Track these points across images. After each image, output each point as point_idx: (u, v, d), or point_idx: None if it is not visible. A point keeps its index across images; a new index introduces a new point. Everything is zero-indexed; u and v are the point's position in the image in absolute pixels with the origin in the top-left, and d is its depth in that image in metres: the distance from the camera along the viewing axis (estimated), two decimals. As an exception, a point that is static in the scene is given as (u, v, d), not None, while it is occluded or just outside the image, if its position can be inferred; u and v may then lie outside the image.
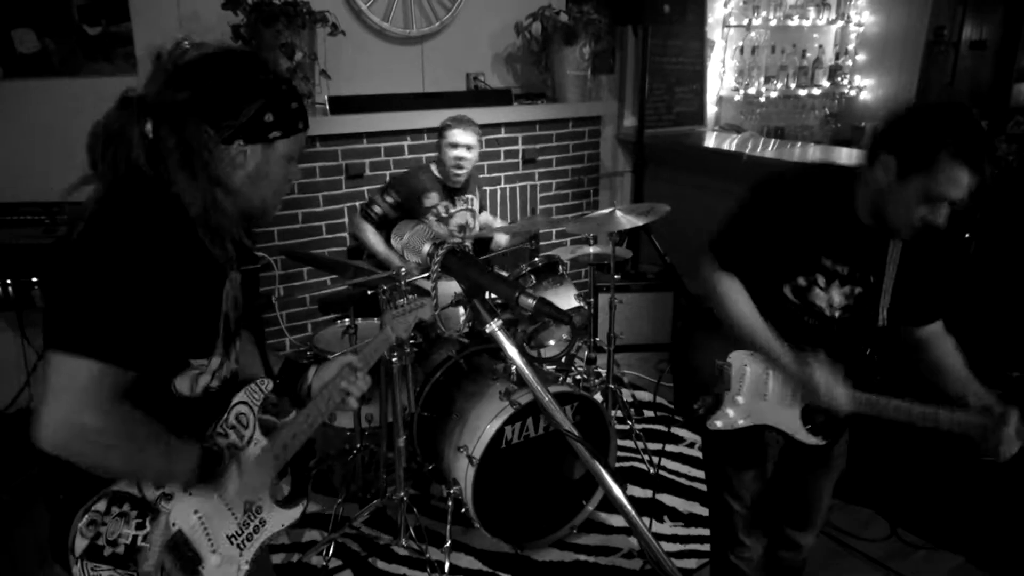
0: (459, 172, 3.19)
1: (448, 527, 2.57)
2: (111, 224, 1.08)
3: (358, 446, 2.80)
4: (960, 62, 4.99)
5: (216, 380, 1.27)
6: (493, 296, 1.23)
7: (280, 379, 1.49)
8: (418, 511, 2.73)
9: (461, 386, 2.77)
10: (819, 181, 1.69)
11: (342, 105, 3.69)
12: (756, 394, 1.79)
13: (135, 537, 1.18)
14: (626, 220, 2.86)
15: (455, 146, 3.16)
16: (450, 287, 2.68)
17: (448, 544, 2.55)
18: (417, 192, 3.21)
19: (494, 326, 1.05)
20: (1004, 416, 1.54)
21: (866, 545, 2.72)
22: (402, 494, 2.59)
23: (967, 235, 3.04)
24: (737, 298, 1.72)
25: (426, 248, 1.11)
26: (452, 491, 2.57)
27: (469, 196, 3.36)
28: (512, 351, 1.04)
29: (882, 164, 1.52)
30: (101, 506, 1.16)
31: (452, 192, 3.29)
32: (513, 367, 1.09)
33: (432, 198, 3.24)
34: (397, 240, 1.14)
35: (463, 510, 2.59)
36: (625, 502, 1.04)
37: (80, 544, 1.14)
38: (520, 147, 4.32)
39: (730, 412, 1.80)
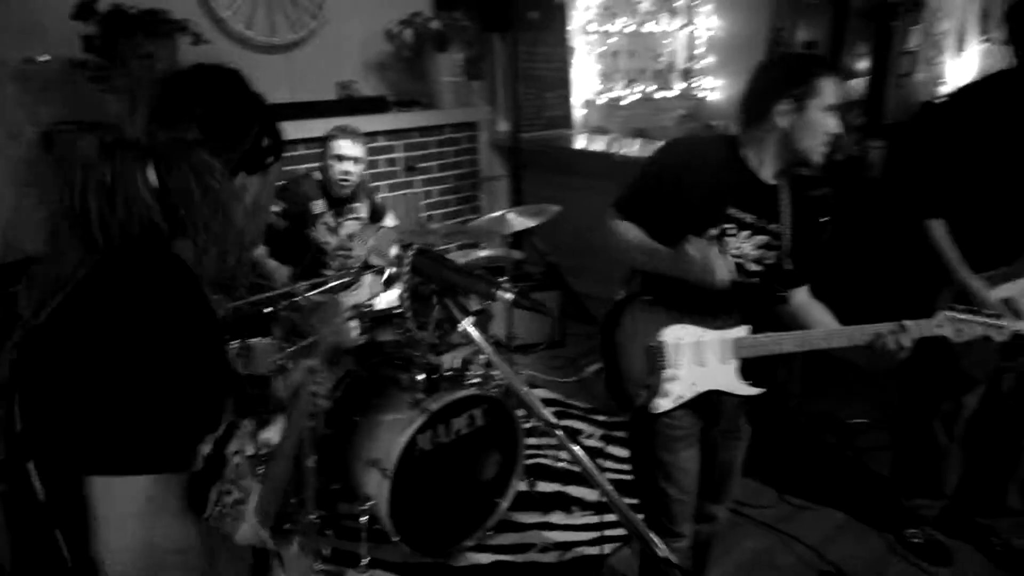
0: (345, 185, 3.13)
1: (362, 545, 2.51)
2: (160, 309, 0.91)
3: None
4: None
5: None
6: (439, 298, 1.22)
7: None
8: (329, 533, 2.64)
9: (366, 400, 2.72)
10: (712, 140, 1.87)
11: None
12: (695, 363, 1.85)
13: None
14: (518, 222, 2.91)
15: (341, 159, 3.09)
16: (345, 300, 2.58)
17: (367, 561, 2.49)
18: (303, 199, 3.12)
19: (467, 324, 1.04)
20: (902, 327, 1.74)
21: (758, 512, 2.92)
22: (314, 516, 2.50)
23: (824, 219, 3.33)
24: (628, 231, 1.84)
25: (393, 251, 1.09)
26: (365, 507, 2.51)
27: (357, 205, 3.29)
28: (487, 347, 1.05)
29: (780, 111, 1.72)
30: None
31: (338, 202, 3.21)
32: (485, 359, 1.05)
33: (319, 206, 3.15)
34: (361, 245, 1.11)
35: (376, 525, 2.53)
36: (605, 482, 1.05)
37: None
38: (400, 155, 4.29)
39: (675, 389, 1.85)
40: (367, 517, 2.51)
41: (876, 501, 2.89)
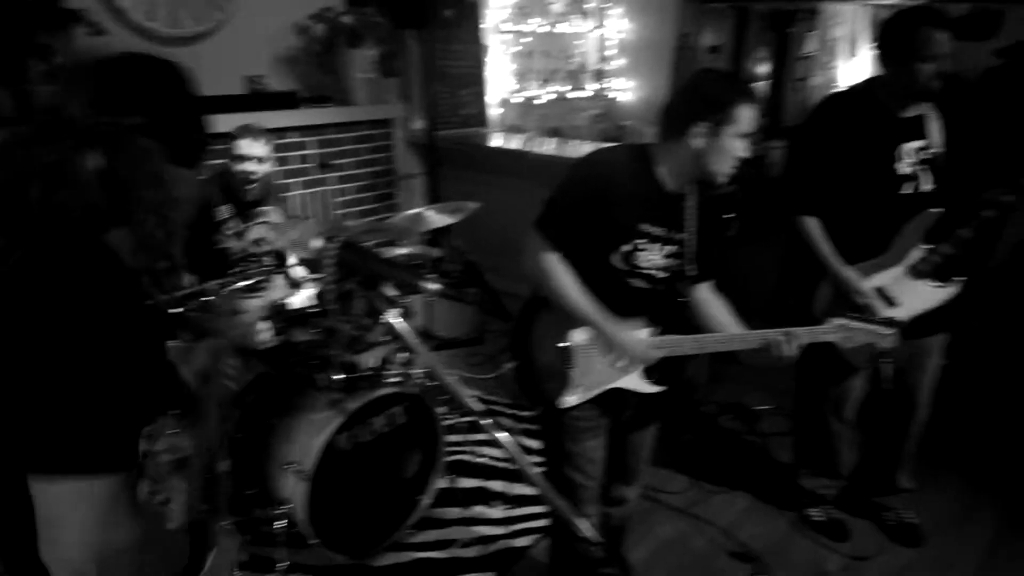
0: (250, 188, 3.01)
1: (280, 550, 2.45)
2: (71, 311, 0.88)
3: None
4: (701, 65, 5.66)
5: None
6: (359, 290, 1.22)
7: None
8: (245, 539, 2.58)
9: (280, 401, 2.66)
10: (625, 157, 1.91)
11: (109, 111, 3.35)
12: (601, 363, 1.94)
13: None
14: (436, 219, 2.92)
15: (243, 159, 2.96)
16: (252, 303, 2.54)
17: (285, 566, 2.44)
18: (206, 204, 2.97)
19: (392, 316, 1.05)
20: (789, 334, 1.86)
21: (671, 497, 3.03)
22: (228, 522, 2.43)
23: (730, 215, 3.48)
24: (562, 276, 1.88)
25: (317, 243, 1.08)
26: (282, 511, 2.46)
27: (267, 209, 3.12)
28: (413, 340, 1.05)
29: (695, 133, 1.79)
30: None
31: (244, 206, 3.07)
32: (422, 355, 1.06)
33: (223, 211, 3.02)
34: (280, 238, 1.09)
35: (295, 529, 2.49)
36: (529, 467, 1.08)
37: None
38: (313, 151, 4.21)
39: (581, 386, 1.95)
40: (284, 521, 2.47)
41: (779, 483, 3.05)
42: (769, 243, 3.83)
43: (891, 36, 2.30)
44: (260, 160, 2.99)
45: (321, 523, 2.44)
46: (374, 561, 2.63)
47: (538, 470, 1.09)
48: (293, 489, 2.40)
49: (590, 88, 5.86)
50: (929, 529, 2.80)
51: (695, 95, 1.83)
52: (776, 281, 2.82)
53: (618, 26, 5.76)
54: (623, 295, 1.91)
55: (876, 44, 2.35)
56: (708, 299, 2.06)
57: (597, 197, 1.83)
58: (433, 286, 1.04)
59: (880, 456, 2.83)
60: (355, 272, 1.08)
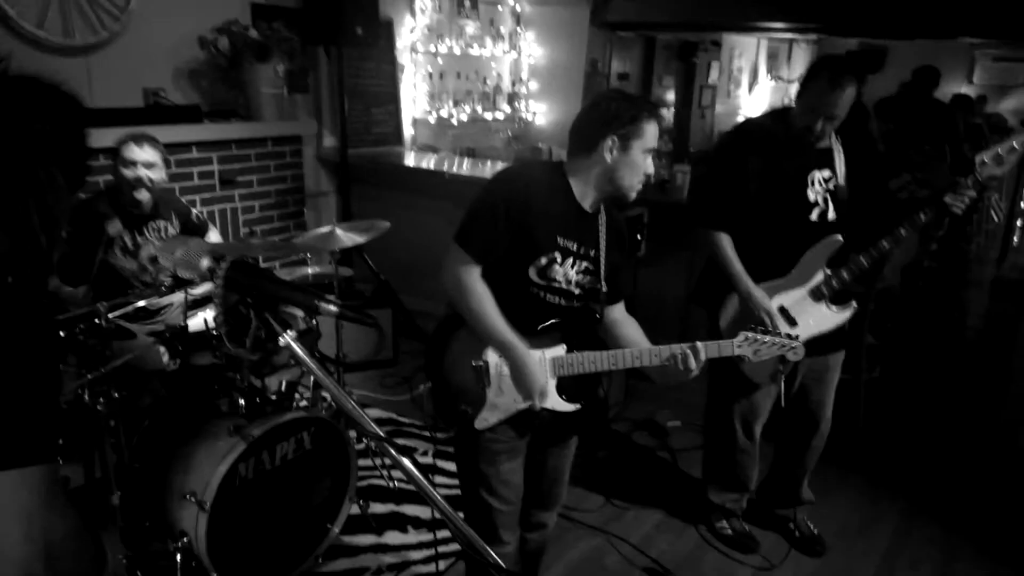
0: (140, 196, 2.86)
1: (179, 585, 2.31)
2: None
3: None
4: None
5: None
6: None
7: None
8: (141, 574, 2.41)
9: (179, 428, 2.52)
10: (543, 171, 1.93)
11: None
12: (516, 383, 1.90)
13: None
14: (347, 238, 2.85)
15: (132, 164, 2.81)
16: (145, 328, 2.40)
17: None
18: (94, 220, 2.81)
19: (288, 338, 0.99)
20: (695, 349, 1.88)
21: (586, 515, 3.04)
22: (121, 557, 2.27)
23: (639, 236, 3.57)
24: (482, 295, 1.85)
25: (204, 263, 1.01)
26: (180, 543, 2.32)
27: (162, 223, 3.00)
28: (310, 363, 1.00)
29: (606, 147, 1.83)
30: None
31: (136, 220, 2.93)
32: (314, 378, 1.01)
33: (115, 226, 2.85)
34: (166, 256, 1.02)
35: (193, 563, 2.34)
36: (433, 492, 1.05)
37: None
38: (215, 167, 4.06)
39: (497, 405, 1.91)
40: (182, 555, 2.32)
41: (689, 498, 3.11)
42: (676, 262, 3.96)
43: (806, 84, 2.42)
44: (148, 165, 2.84)
45: (222, 556, 2.31)
46: (280, 594, 2.51)
47: (443, 496, 1.05)
48: (192, 521, 2.27)
49: (504, 109, 5.91)
50: (831, 539, 2.91)
51: (605, 111, 1.86)
52: (684, 299, 2.90)
53: (531, 50, 5.85)
54: (540, 311, 1.91)
55: (799, 81, 2.48)
56: (620, 319, 2.07)
57: (516, 209, 1.82)
58: (332, 308, 1.00)
59: (785, 470, 2.93)
60: (247, 293, 1.02)
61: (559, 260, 1.88)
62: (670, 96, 7.67)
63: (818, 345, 2.46)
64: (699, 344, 1.88)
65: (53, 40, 3.46)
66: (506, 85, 5.97)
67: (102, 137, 3.20)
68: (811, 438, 2.79)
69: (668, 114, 7.66)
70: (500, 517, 2.04)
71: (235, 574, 2.37)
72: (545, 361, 1.91)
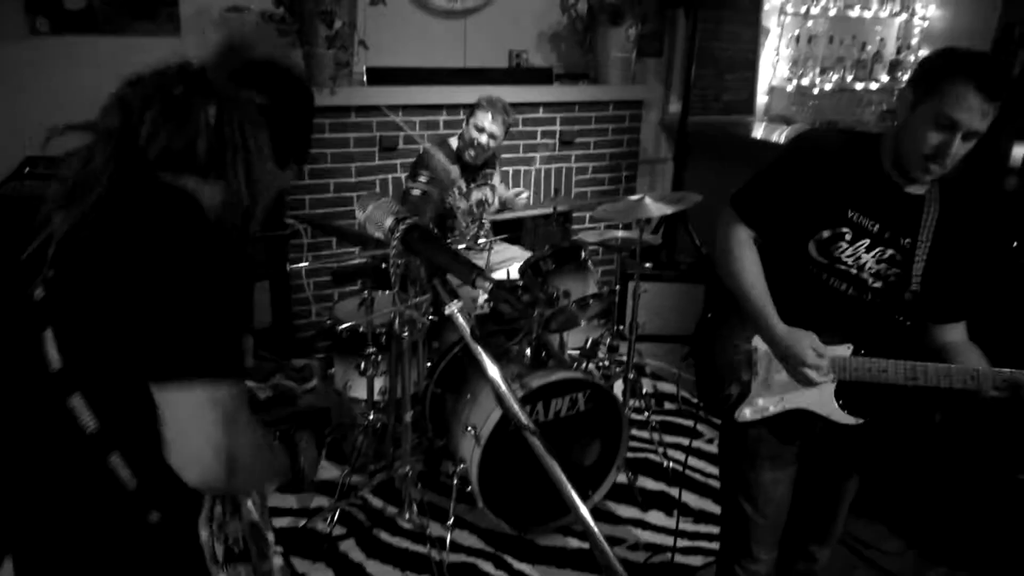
0: (476, 155, 3.22)
1: (452, 504, 2.56)
2: (186, 227, 0.98)
3: (370, 417, 2.81)
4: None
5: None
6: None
7: None
8: (424, 486, 2.73)
9: (475, 365, 2.75)
10: (853, 138, 1.67)
11: (380, 76, 3.68)
12: (786, 378, 1.70)
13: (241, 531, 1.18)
14: (655, 208, 2.79)
15: (480, 130, 3.17)
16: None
17: (451, 521, 2.54)
18: (444, 166, 3.21)
19: (453, 308, 1.01)
20: None
21: (882, 557, 2.63)
22: (407, 468, 2.59)
23: (1016, 243, 2.89)
24: (747, 261, 1.67)
25: (388, 222, 1.07)
26: (458, 469, 2.56)
27: (488, 171, 3.37)
28: (468, 335, 1.01)
29: (900, 100, 1.54)
30: (219, 508, 1.14)
31: (470, 168, 3.30)
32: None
33: (455, 171, 3.25)
34: (360, 212, 1.11)
35: (468, 489, 2.57)
36: (581, 506, 0.99)
37: (219, 550, 1.13)
38: (558, 128, 4.26)
39: (760, 400, 1.72)
40: (459, 479, 2.56)
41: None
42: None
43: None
44: (492, 136, 3.16)
45: (491, 490, 2.50)
46: (537, 538, 2.64)
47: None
48: (470, 451, 2.48)
49: (881, 79, 5.18)
50: None
51: (922, 62, 1.54)
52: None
53: (926, 11, 5.01)
54: (821, 297, 1.65)
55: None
56: (957, 345, 1.66)
57: (804, 175, 1.60)
58: (486, 284, 0.97)
59: None
60: (417, 257, 1.05)
61: (848, 238, 1.60)
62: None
63: None
64: None
65: (438, 4, 3.90)
66: (889, 51, 5.20)
67: (468, 94, 3.55)
68: None
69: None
70: (755, 530, 1.85)
71: (500, 508, 2.55)
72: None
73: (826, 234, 1.61)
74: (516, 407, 1.00)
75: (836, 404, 1.68)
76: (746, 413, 1.73)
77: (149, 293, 0.94)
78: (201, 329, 0.95)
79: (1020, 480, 3.02)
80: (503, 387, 1.00)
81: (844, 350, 1.65)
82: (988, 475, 3.07)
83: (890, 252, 1.61)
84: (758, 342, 1.71)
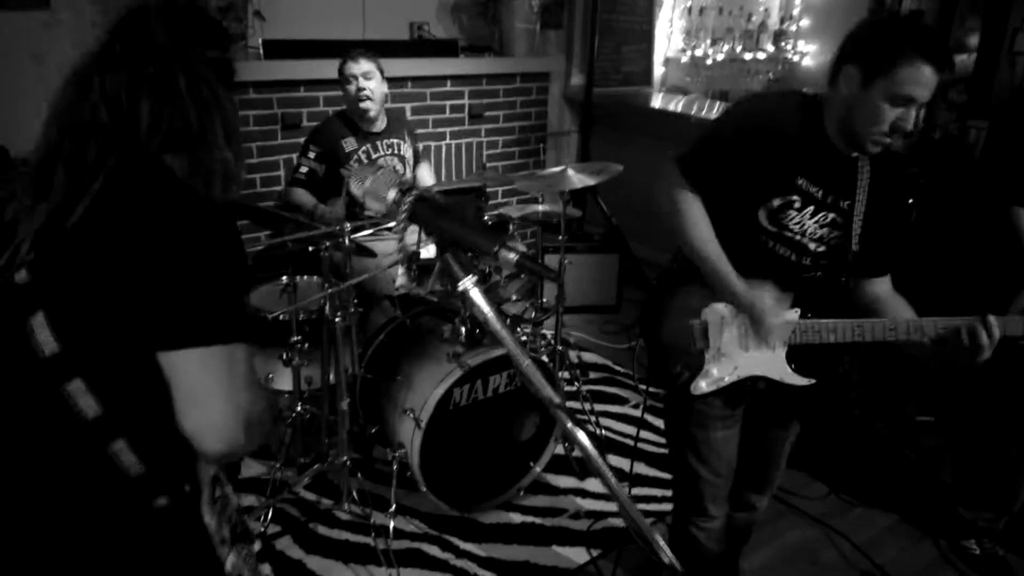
0: (365, 106, 3.03)
1: (392, 490, 2.49)
2: (182, 197, 0.97)
3: (297, 409, 2.68)
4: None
5: None
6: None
7: None
8: (361, 475, 2.64)
9: (406, 348, 2.68)
10: (792, 103, 1.67)
11: (278, 49, 3.49)
12: (739, 346, 1.73)
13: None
14: (578, 179, 2.79)
15: (352, 78, 3.00)
16: (388, 246, 2.47)
17: (393, 508, 2.47)
18: (335, 138, 3.08)
19: (468, 283, 0.95)
20: (987, 323, 1.54)
21: (805, 503, 2.78)
22: (345, 458, 2.50)
23: (910, 200, 3.09)
24: (698, 219, 1.67)
25: (391, 195, 1.00)
26: (397, 454, 2.49)
27: (395, 141, 3.20)
28: (488, 311, 0.95)
29: (844, 76, 1.54)
30: (217, 491, 1.11)
31: (371, 136, 3.14)
32: (489, 328, 0.96)
33: (351, 143, 3.10)
34: (357, 186, 1.02)
35: (408, 473, 2.51)
36: (607, 470, 0.97)
37: (226, 532, 1.10)
38: (466, 101, 4.18)
39: (714, 370, 1.73)
40: (398, 464, 2.50)
41: (933, 506, 2.72)
42: (957, 238, 3.37)
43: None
44: (367, 76, 3.00)
45: (432, 472, 2.45)
46: (480, 516, 2.62)
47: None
48: (409, 435, 2.42)
49: (767, 49, 5.41)
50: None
51: (858, 35, 1.56)
52: (961, 282, 2.46)
53: (807, -16, 5.26)
54: (768, 264, 1.69)
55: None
56: (884, 297, 1.75)
57: (750, 140, 1.61)
58: (511, 255, 0.93)
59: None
60: (428, 230, 0.99)
61: (797, 206, 1.64)
62: (973, 40, 6.52)
63: None
64: (993, 318, 1.54)
65: (334, -25, 3.73)
66: (773, 22, 5.43)
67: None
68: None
69: (967, 60, 6.54)
70: (708, 488, 1.89)
71: (442, 491, 2.50)
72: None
73: (777, 202, 1.64)
74: (544, 384, 0.95)
75: (789, 368, 1.73)
76: (702, 385, 1.74)
77: (154, 260, 0.92)
78: (210, 291, 0.94)
79: (917, 422, 3.28)
80: (525, 364, 0.95)
81: (792, 314, 1.70)
82: (892, 418, 3.32)
83: (832, 216, 1.66)
84: (708, 314, 1.73)
